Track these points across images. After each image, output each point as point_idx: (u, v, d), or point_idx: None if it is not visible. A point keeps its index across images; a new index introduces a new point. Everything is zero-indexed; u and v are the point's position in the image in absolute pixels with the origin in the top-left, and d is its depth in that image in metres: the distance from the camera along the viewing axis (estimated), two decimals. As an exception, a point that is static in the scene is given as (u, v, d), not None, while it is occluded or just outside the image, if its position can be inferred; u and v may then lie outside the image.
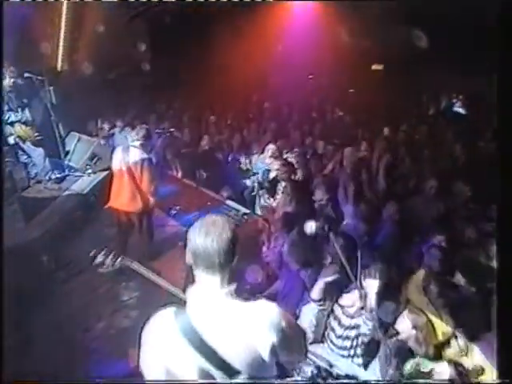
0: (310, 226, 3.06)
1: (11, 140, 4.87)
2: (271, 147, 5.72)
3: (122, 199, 4.26)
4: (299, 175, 5.22)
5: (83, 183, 5.43)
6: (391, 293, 2.81)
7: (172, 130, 7.05)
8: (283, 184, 4.85)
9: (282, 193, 4.79)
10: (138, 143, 4.20)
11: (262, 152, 6.05)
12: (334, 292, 2.86)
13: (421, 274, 3.08)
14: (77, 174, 5.53)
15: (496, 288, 2.35)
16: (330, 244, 3.56)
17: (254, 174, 5.95)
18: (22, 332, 3.58)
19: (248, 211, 5.68)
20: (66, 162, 5.63)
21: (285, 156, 5.77)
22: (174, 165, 6.85)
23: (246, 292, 3.84)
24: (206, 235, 1.45)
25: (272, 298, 3.54)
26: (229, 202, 6.01)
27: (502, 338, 2.02)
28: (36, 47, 6.76)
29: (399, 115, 6.95)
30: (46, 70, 5.56)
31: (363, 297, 2.62)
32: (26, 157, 5.12)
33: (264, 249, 4.22)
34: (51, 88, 5.48)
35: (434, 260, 3.13)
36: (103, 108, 7.15)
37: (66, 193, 5.16)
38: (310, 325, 2.94)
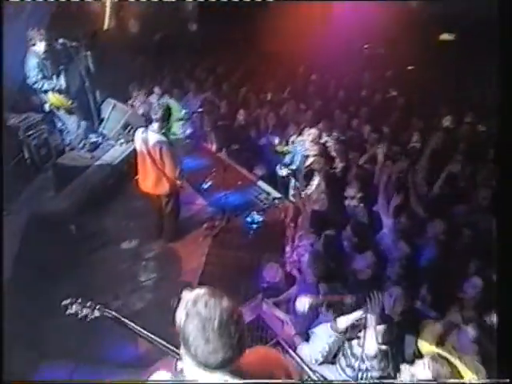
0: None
1: (47, 107, 4.88)
2: (313, 132, 5.24)
3: (148, 182, 4.17)
4: (337, 166, 4.76)
5: (115, 153, 5.41)
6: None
7: (212, 99, 6.81)
8: (317, 177, 4.45)
9: (316, 188, 4.41)
10: (156, 125, 3.99)
11: (300, 134, 5.62)
12: (358, 327, 2.57)
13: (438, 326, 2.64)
14: (109, 142, 5.50)
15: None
16: (353, 259, 3.26)
17: (289, 156, 5.59)
18: (42, 303, 3.72)
19: (279, 196, 5.41)
20: (100, 130, 5.61)
21: (324, 140, 5.30)
22: (209, 137, 6.67)
23: (262, 291, 3.71)
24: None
25: (284, 305, 3.35)
26: (260, 184, 5.76)
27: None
28: (81, 7, 6.67)
29: (466, 102, 5.85)
30: (85, 33, 5.38)
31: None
32: (61, 124, 5.15)
33: (287, 248, 3.95)
34: (89, 53, 5.35)
35: (472, 294, 2.69)
36: (142, 74, 6.96)
37: (98, 162, 5.17)
38: (322, 350, 2.72)
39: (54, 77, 4.76)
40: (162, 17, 9.08)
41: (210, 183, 5.78)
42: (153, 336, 2.10)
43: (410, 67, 6.72)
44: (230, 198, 5.46)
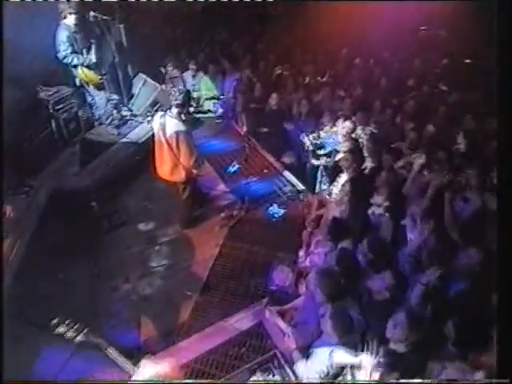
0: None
1: (77, 81, 4.87)
2: (347, 125, 4.87)
3: (165, 169, 4.10)
4: (367, 167, 4.39)
5: (141, 131, 5.35)
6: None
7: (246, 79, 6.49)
8: (344, 176, 4.12)
9: (341, 187, 4.10)
10: (175, 111, 3.87)
11: (334, 124, 5.24)
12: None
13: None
14: (137, 119, 5.46)
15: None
16: (370, 277, 3.00)
17: (321, 148, 5.26)
18: (59, 278, 3.86)
19: (304, 189, 5.15)
20: (129, 106, 5.57)
21: (357, 134, 4.91)
22: (240, 119, 6.45)
23: (270, 294, 3.58)
24: None
25: (288, 315, 3.20)
26: (286, 174, 5.50)
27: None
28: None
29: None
30: (120, 4, 5.23)
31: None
32: (91, 98, 5.15)
33: (301, 252, 3.75)
34: (122, 26, 5.23)
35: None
36: (178, 48, 6.74)
37: (123, 140, 5.16)
38: (319, 371, 2.58)
39: (85, 51, 4.70)
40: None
41: (236, 166, 5.73)
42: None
43: (467, 60, 5.90)
44: (252, 186, 5.31)
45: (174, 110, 3.87)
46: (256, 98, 6.17)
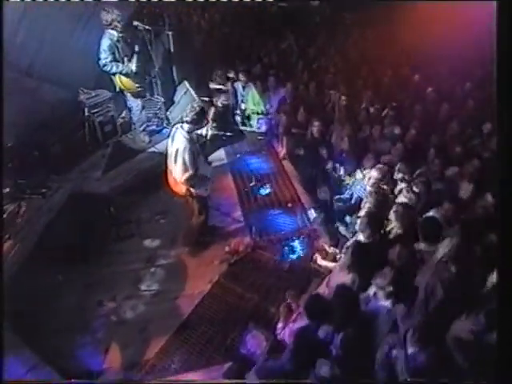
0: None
1: (117, 87, 5.01)
2: (374, 175, 4.27)
3: (170, 179, 4.07)
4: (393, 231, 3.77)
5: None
6: None
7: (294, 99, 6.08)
8: (352, 242, 3.60)
9: (345, 251, 3.61)
10: (186, 126, 3.82)
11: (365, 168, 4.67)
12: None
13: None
14: (169, 128, 5.47)
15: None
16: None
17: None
18: (58, 280, 4.05)
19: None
20: (167, 113, 5.59)
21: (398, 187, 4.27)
22: (281, 140, 6.11)
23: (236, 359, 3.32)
24: None
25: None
26: (311, 214, 5.08)
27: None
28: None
29: None
30: (170, 13, 5.21)
31: None
32: (129, 103, 5.27)
33: (280, 324, 3.38)
34: (170, 33, 5.22)
35: None
36: (228, 58, 6.57)
37: (151, 149, 5.21)
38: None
39: (126, 60, 4.78)
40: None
41: (268, 190, 5.48)
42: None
43: None
44: (270, 220, 5.04)
45: (185, 126, 3.83)
46: (298, 122, 5.75)
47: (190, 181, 3.90)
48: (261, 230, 4.78)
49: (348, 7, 7.90)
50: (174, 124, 5.31)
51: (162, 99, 5.70)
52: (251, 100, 6.44)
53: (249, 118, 6.59)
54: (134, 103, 5.15)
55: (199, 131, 4.09)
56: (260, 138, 6.41)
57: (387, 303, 3.06)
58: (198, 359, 3.49)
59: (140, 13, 5.10)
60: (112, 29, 4.56)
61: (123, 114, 5.35)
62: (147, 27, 4.71)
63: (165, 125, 5.60)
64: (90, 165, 4.95)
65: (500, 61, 2.34)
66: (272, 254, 4.52)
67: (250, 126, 6.55)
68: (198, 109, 3.90)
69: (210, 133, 4.13)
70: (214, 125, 4.37)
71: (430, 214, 3.83)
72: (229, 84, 6.43)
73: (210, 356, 3.53)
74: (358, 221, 3.75)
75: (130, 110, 5.31)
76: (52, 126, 4.62)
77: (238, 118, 6.62)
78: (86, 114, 4.88)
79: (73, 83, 4.84)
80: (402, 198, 4.20)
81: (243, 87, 6.45)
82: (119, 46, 4.67)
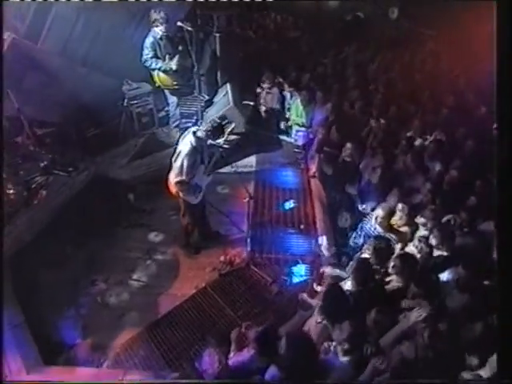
0: None
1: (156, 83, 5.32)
2: (379, 213, 3.95)
3: (170, 176, 4.20)
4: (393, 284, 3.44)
5: (201, 142, 5.52)
6: None
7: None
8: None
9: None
10: (199, 133, 3.99)
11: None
12: None
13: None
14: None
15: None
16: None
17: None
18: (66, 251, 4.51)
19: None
20: (204, 113, 5.78)
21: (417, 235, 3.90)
22: (313, 157, 5.91)
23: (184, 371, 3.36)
24: None
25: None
26: (321, 241, 4.84)
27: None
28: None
29: None
30: (218, 16, 5.35)
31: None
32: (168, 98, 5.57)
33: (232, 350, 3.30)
34: (218, 35, 5.37)
35: None
36: (278, 66, 6.51)
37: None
38: None
39: (167, 57, 5.04)
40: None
41: (293, 205, 5.40)
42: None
43: None
44: (279, 238, 4.92)
45: (199, 133, 3.99)
46: (332, 141, 5.49)
47: (179, 185, 4.03)
48: (264, 247, 4.73)
49: (429, 23, 7.26)
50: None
51: (205, 98, 5.91)
52: (295, 110, 6.34)
53: (290, 128, 6.51)
54: (170, 99, 5.44)
55: (211, 141, 4.19)
56: (296, 150, 6.28)
57: (344, 359, 2.85)
58: (157, 360, 3.62)
59: (193, 14, 5.32)
60: (157, 27, 4.85)
61: (166, 108, 5.67)
62: (190, 28, 4.91)
63: (200, 124, 5.79)
64: (120, 152, 5.36)
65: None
66: (266, 274, 4.44)
67: (289, 136, 6.47)
68: (215, 124, 4.05)
69: (221, 144, 4.20)
70: (230, 139, 4.40)
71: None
72: (275, 89, 6.42)
73: (169, 360, 3.64)
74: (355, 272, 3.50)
75: (168, 105, 5.62)
76: (93, 111, 5.10)
77: (282, 126, 6.60)
78: (125, 104, 5.29)
79: (120, 74, 5.28)
80: (410, 248, 3.84)
81: (291, 95, 6.40)
82: (161, 44, 4.96)
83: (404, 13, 7.54)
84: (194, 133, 4.01)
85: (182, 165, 3.94)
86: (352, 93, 6.01)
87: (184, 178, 3.97)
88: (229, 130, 4.28)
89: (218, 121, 4.16)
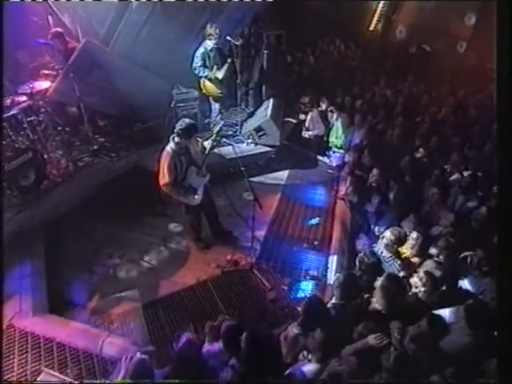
0: None
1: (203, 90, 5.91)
2: (388, 235, 3.90)
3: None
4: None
5: (234, 149, 5.89)
6: None
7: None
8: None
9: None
10: (176, 138, 4.17)
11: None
12: None
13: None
14: (239, 138, 6.08)
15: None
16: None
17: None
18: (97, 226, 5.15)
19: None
20: (244, 123, 6.22)
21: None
22: (343, 179, 5.98)
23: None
24: None
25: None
26: (332, 260, 4.85)
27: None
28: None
29: None
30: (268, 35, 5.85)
31: None
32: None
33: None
34: (266, 52, 5.86)
35: None
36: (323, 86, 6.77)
37: (216, 150, 5.86)
38: None
39: (215, 68, 5.61)
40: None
41: (317, 221, 5.54)
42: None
43: None
44: (292, 250, 5.03)
45: (176, 138, 4.14)
46: (363, 165, 5.53)
47: (166, 188, 4.28)
48: (272, 255, 4.89)
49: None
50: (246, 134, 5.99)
51: (248, 110, 6.39)
52: (335, 132, 6.53)
53: (328, 148, 6.66)
54: (213, 106, 5.98)
55: (204, 144, 4.49)
56: (330, 171, 6.41)
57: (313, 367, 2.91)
58: (143, 335, 3.93)
59: (248, 31, 5.90)
60: (209, 40, 5.48)
61: (205, 113, 6.25)
62: (237, 43, 5.45)
63: (238, 133, 6.25)
64: (161, 148, 5.97)
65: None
66: (266, 279, 4.58)
67: (325, 156, 6.62)
68: (184, 124, 4.16)
69: (209, 147, 4.40)
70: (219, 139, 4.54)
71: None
72: (319, 110, 6.67)
73: (154, 338, 3.91)
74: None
75: (211, 111, 6.18)
76: (143, 108, 5.83)
77: (320, 147, 6.79)
78: (172, 105, 5.95)
79: (172, 79, 5.99)
80: (414, 279, 3.67)
81: (333, 117, 6.59)
82: (211, 55, 5.53)
83: (472, 47, 7.38)
84: (173, 138, 4.20)
85: (163, 169, 4.21)
86: (395, 121, 6.02)
87: (167, 180, 4.20)
88: (216, 129, 4.48)
89: (187, 121, 4.27)
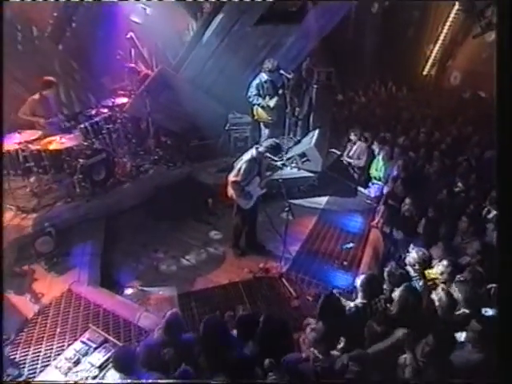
0: None
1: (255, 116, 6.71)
2: (412, 254, 4.18)
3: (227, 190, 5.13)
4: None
5: (281, 172, 6.56)
6: None
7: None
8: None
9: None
10: (261, 148, 4.87)
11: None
12: None
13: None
14: (282, 161, 6.72)
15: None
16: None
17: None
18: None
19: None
20: (289, 149, 6.89)
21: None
22: (380, 209, 6.30)
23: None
24: None
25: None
26: (357, 281, 5.09)
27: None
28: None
29: None
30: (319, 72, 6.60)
31: None
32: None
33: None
34: (315, 86, 6.59)
35: None
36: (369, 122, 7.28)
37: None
38: None
39: (268, 97, 6.40)
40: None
41: (351, 245, 5.87)
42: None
43: None
44: (321, 267, 5.38)
45: (261, 148, 4.88)
46: (396, 194, 5.86)
47: (234, 185, 4.89)
48: (302, 268, 5.28)
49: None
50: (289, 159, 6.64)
51: (295, 139, 7.08)
52: (375, 164, 6.92)
53: (368, 180, 7.04)
54: (263, 131, 6.72)
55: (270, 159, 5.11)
56: (368, 201, 6.75)
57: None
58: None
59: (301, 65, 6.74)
60: (264, 72, 6.32)
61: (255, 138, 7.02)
62: (289, 76, 6.23)
63: (283, 158, 6.90)
64: (213, 164, 6.79)
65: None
66: (293, 289, 4.98)
67: (365, 187, 6.99)
68: (274, 144, 4.94)
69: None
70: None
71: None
72: (363, 144, 7.16)
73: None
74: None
75: (260, 136, 6.93)
76: (201, 128, 6.76)
77: (361, 178, 7.20)
78: (227, 128, 6.80)
79: (230, 105, 6.88)
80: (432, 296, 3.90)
81: (375, 151, 7.03)
82: (265, 86, 6.32)
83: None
84: (257, 148, 4.95)
85: (240, 168, 4.86)
86: (435, 158, 6.35)
87: (239, 179, 4.85)
88: (288, 155, 5.16)
89: (278, 141, 5.04)
